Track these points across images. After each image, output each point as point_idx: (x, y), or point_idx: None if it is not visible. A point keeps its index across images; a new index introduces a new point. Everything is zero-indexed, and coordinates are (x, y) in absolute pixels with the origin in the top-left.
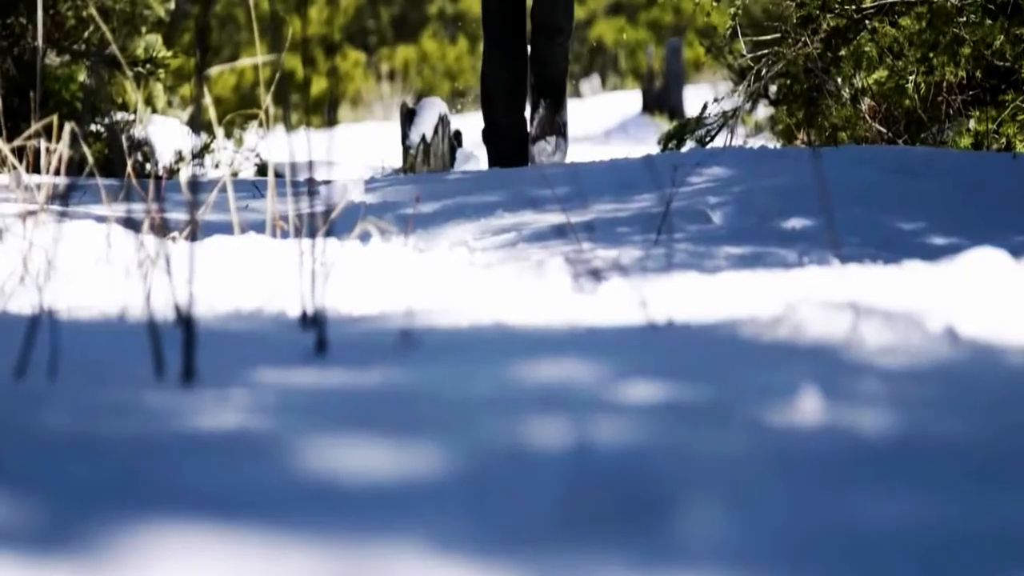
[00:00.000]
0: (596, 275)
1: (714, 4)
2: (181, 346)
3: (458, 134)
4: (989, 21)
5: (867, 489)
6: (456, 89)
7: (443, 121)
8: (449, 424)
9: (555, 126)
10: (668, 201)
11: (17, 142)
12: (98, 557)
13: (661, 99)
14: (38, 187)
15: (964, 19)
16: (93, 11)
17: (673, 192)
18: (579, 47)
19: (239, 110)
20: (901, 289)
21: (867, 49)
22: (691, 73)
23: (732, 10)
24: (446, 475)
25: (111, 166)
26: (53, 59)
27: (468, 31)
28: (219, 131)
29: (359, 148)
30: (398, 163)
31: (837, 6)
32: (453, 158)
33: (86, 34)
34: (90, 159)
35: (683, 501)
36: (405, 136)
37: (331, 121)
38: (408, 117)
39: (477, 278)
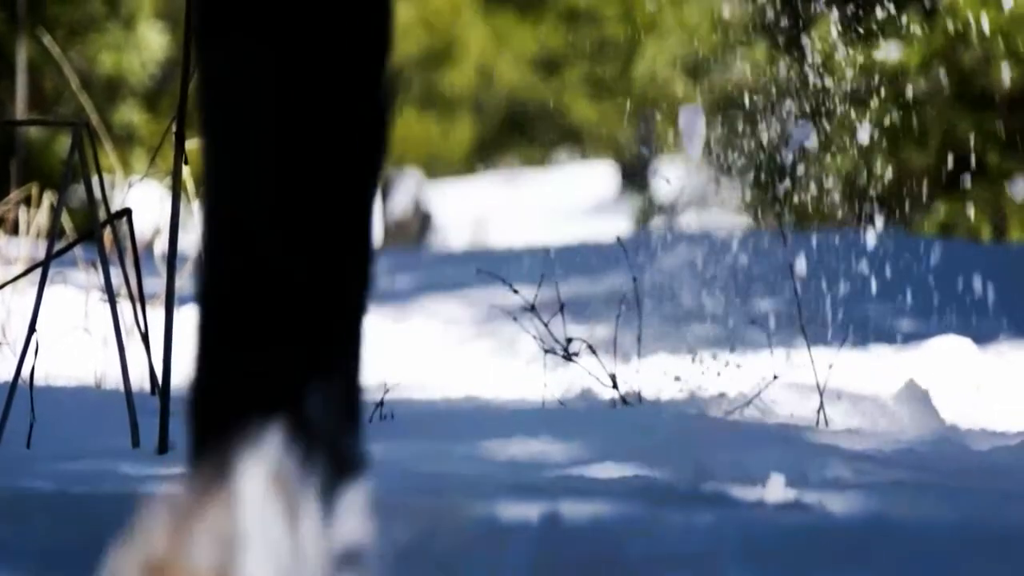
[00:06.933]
0: (567, 353)
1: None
2: (157, 416)
3: (427, 217)
4: (957, 110)
5: (833, 570)
6: (430, 158)
7: (417, 196)
8: (423, 499)
9: None
10: (637, 280)
11: None
12: None
13: (636, 174)
14: (17, 255)
15: (933, 109)
16: (73, 79)
17: (643, 272)
18: (557, 117)
19: None
20: (868, 372)
21: (836, 134)
22: (668, 147)
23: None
24: (418, 549)
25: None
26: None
27: (443, 106)
28: (196, 201)
29: None
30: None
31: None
32: (426, 232)
33: (62, 97)
34: (70, 227)
35: None
36: (379, 210)
37: None
38: (382, 191)
39: (450, 353)
